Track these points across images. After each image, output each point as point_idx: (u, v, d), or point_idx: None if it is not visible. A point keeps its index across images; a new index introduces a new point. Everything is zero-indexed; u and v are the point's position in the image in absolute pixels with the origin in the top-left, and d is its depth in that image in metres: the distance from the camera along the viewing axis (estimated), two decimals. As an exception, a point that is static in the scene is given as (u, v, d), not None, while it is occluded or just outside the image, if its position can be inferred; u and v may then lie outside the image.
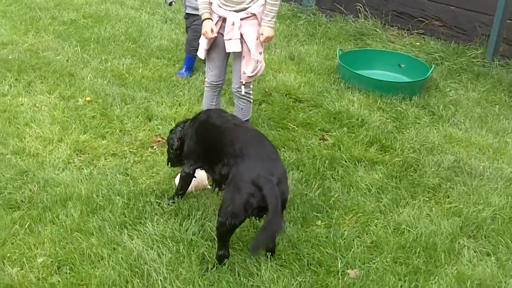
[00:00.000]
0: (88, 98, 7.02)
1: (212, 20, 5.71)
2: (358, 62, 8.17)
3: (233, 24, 5.65)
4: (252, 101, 6.20)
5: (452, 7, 8.99)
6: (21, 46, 8.52)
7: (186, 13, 7.68)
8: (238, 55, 5.84)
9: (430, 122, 7.01)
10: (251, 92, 6.10)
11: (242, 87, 5.92)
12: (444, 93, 7.79)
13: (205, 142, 5.02)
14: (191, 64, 7.99)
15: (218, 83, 6.11)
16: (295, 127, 6.69)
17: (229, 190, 4.44)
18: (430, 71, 7.80)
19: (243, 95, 6.00)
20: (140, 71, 7.63)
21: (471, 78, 8.25)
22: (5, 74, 7.58)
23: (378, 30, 9.57)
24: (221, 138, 4.78)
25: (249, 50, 5.73)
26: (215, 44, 5.86)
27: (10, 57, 8.05)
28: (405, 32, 9.49)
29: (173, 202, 5.27)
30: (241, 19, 5.65)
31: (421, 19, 9.32)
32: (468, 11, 8.84)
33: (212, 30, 5.67)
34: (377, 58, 8.51)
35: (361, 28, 9.69)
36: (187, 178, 5.24)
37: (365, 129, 6.62)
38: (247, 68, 5.79)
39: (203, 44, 5.87)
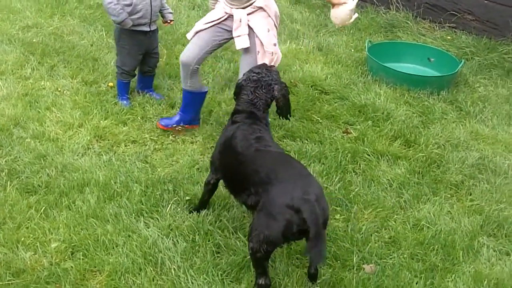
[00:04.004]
0: (111, 84, 6.99)
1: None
2: (387, 55, 8.07)
3: (240, 21, 5.56)
4: None
5: (486, 1, 8.82)
6: (45, 29, 8.48)
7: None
8: (247, 51, 5.66)
9: (457, 117, 6.89)
10: None
11: None
12: (473, 89, 7.66)
13: (227, 165, 4.69)
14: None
15: (187, 63, 5.91)
16: (319, 119, 6.61)
17: (260, 216, 4.03)
18: (460, 66, 7.66)
19: None
20: (164, 58, 7.57)
21: (502, 75, 8.09)
22: (29, 57, 7.56)
23: (409, 22, 9.42)
24: (242, 168, 4.42)
25: (261, 43, 5.56)
26: (211, 30, 5.82)
27: (34, 40, 8.03)
28: (436, 25, 9.33)
29: (197, 212, 5.02)
30: (247, 14, 5.55)
31: (454, 12, 9.16)
32: (502, 6, 8.66)
33: None
34: (406, 51, 8.39)
35: (392, 20, 9.54)
36: (206, 186, 4.92)
37: (390, 123, 6.53)
38: (263, 62, 5.57)
39: (197, 27, 5.90)
